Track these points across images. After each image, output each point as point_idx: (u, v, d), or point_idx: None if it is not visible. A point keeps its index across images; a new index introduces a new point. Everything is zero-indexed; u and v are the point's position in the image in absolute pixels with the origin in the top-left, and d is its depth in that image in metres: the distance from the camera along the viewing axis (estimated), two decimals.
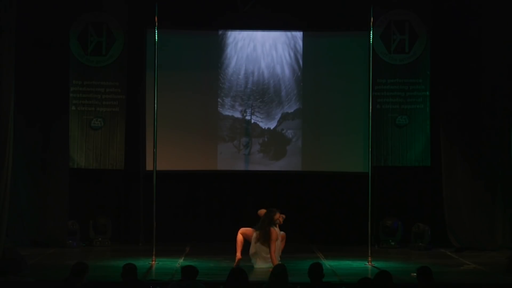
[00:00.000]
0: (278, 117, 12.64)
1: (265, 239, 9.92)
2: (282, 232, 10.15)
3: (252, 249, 10.01)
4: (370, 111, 10.62)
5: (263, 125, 12.65)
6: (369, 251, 10.29)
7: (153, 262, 10.09)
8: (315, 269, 6.64)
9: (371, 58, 10.59)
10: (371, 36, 10.56)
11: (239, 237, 10.05)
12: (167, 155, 12.11)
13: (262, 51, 12.66)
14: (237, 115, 12.63)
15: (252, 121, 12.65)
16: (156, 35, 10.33)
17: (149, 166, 12.01)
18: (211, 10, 12.33)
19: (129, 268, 6.83)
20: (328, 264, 10.24)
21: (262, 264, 9.93)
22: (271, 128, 12.64)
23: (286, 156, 12.64)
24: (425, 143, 12.33)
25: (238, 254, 9.88)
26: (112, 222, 12.25)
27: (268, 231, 9.90)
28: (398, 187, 12.55)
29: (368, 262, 10.23)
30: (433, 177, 12.31)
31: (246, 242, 10.08)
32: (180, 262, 10.34)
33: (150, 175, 10.83)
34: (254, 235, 10.03)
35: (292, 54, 12.64)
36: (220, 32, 12.64)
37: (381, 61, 12.30)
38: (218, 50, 12.62)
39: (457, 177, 11.97)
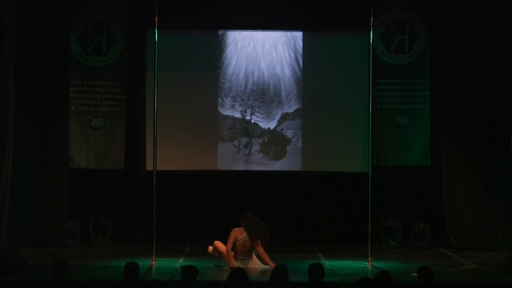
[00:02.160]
0: (278, 117, 12.64)
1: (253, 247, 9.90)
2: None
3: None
4: (370, 111, 10.63)
5: (263, 125, 12.65)
6: (369, 251, 10.29)
7: (153, 262, 10.09)
8: (315, 269, 6.63)
9: (371, 58, 10.59)
10: (371, 36, 10.56)
11: (211, 249, 10.06)
12: (167, 155, 12.10)
13: (262, 51, 12.66)
14: (237, 115, 12.63)
15: (252, 121, 12.65)
16: (156, 35, 10.33)
17: (149, 166, 12.01)
18: (211, 10, 12.32)
19: (131, 267, 6.82)
20: (328, 264, 10.24)
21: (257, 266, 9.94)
22: (271, 128, 12.64)
23: (286, 156, 12.64)
24: (425, 143, 12.32)
25: (232, 263, 9.81)
26: (112, 222, 12.26)
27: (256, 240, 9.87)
28: (398, 187, 12.54)
29: (368, 262, 10.23)
30: (433, 177, 12.30)
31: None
32: (180, 262, 10.34)
33: (150, 175, 10.82)
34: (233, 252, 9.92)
35: (292, 54, 12.64)
36: (220, 32, 12.63)
37: (381, 61, 12.29)
38: (218, 50, 12.62)
39: (457, 177, 11.97)
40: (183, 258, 10.75)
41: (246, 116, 12.64)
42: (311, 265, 6.66)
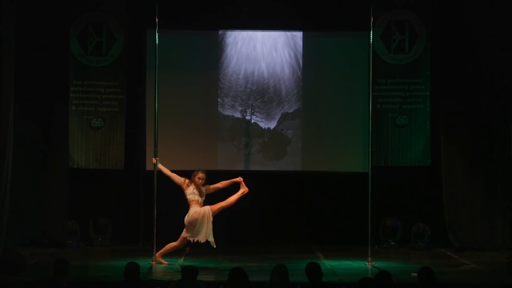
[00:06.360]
0: (278, 117, 12.64)
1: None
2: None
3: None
4: (370, 111, 10.63)
5: (263, 125, 12.65)
6: (369, 251, 10.29)
7: (153, 262, 10.09)
8: (312, 269, 6.60)
9: (371, 58, 10.59)
10: (371, 36, 10.57)
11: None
12: (167, 155, 12.07)
13: (262, 51, 12.65)
14: (237, 115, 12.63)
15: (252, 121, 12.65)
16: (156, 35, 10.33)
17: (149, 166, 12.01)
18: (211, 10, 12.32)
19: (132, 268, 6.82)
20: (328, 264, 10.24)
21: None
22: (271, 128, 12.65)
23: (286, 156, 12.64)
24: (425, 143, 12.33)
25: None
26: (112, 222, 12.26)
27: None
28: (398, 187, 12.54)
29: (368, 262, 10.23)
30: (433, 177, 12.31)
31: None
32: (180, 262, 10.34)
33: (150, 175, 10.83)
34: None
35: (292, 54, 12.64)
36: (220, 32, 12.63)
37: (381, 61, 12.29)
38: (218, 50, 12.62)
39: (457, 177, 11.97)
40: (183, 258, 10.75)
41: (246, 116, 12.64)
42: (307, 265, 6.65)
